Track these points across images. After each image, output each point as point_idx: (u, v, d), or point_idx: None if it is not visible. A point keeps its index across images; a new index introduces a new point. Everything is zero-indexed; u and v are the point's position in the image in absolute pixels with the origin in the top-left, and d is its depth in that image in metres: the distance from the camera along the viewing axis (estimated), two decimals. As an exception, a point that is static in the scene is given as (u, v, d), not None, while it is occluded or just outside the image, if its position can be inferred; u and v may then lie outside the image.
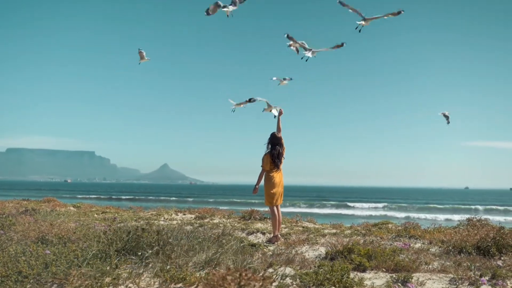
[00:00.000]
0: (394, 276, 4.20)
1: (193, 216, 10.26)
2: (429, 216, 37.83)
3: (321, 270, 3.94)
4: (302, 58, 7.33)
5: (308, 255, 5.61)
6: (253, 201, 58.04)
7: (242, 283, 2.08)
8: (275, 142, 7.07)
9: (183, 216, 10.37)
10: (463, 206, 53.27)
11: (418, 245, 6.12)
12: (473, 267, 4.49)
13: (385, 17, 6.44)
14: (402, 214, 40.86)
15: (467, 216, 8.84)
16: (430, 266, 4.76)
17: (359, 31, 6.66)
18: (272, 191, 6.95)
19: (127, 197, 67.78)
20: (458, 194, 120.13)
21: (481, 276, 4.13)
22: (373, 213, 43.87)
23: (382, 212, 44.55)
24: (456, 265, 4.68)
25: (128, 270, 3.87)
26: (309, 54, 7.13)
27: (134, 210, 12.00)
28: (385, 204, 55.06)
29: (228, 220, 9.50)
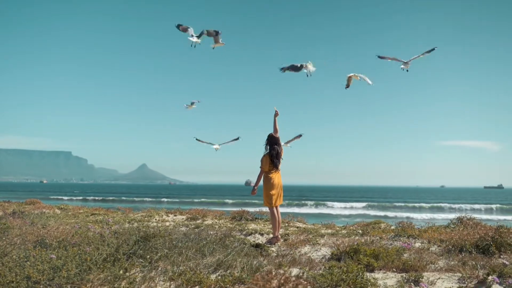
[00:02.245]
0: (405, 275, 4.25)
1: (184, 217, 10.14)
2: (410, 214, 38.43)
3: (336, 271, 3.94)
4: (307, 75, 7.84)
5: (313, 255, 5.62)
6: (229, 201, 58.03)
7: (287, 286, 2.07)
8: (273, 143, 7.01)
9: (174, 217, 10.23)
10: (441, 205, 54.35)
11: (417, 244, 6.19)
12: (478, 266, 4.57)
13: (422, 56, 7.29)
14: (381, 213, 41.40)
15: (445, 215, 9.03)
16: (437, 265, 4.83)
17: (407, 70, 7.51)
18: (271, 192, 6.89)
19: (100, 197, 66.22)
20: (435, 192, 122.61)
21: (488, 274, 4.21)
22: (354, 212, 44.38)
23: (361, 211, 45.06)
24: (462, 264, 4.76)
25: (140, 274, 3.80)
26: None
27: (123, 212, 11.81)
28: (365, 203, 55.67)
29: (221, 221, 9.42)
